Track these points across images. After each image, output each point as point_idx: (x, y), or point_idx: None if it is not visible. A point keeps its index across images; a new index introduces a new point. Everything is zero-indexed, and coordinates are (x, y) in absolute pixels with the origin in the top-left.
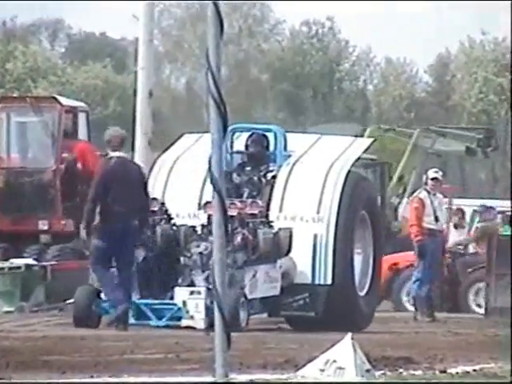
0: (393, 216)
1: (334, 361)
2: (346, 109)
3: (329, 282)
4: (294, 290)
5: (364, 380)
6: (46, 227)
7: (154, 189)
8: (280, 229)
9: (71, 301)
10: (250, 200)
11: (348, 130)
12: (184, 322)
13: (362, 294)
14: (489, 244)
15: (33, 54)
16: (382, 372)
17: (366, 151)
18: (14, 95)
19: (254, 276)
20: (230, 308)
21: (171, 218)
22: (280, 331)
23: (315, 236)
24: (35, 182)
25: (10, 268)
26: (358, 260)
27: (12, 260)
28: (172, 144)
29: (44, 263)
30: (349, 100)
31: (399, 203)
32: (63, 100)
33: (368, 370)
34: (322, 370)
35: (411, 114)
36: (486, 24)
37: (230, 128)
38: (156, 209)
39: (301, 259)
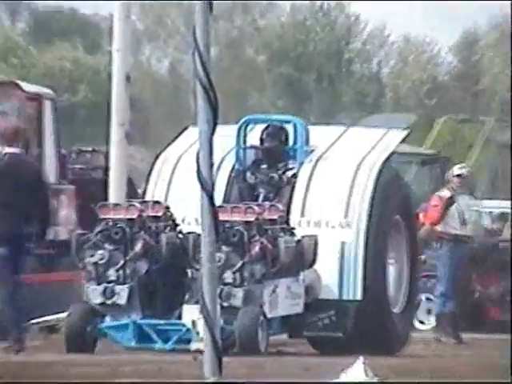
0: None
1: None
2: (356, 95)
3: (358, 297)
4: (318, 307)
5: None
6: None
7: (156, 190)
8: (303, 236)
9: (37, 320)
10: (268, 203)
11: (401, 122)
12: (194, 345)
13: (397, 311)
14: None
15: None
16: None
17: (400, 144)
18: None
19: (273, 291)
20: (248, 329)
21: (177, 225)
22: (280, 355)
23: (343, 244)
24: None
25: None
26: (391, 271)
27: None
28: (176, 138)
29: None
30: (360, 84)
31: None
32: (26, 86)
33: None
34: None
35: (433, 100)
36: None
37: (242, 120)
38: (159, 214)
39: (326, 271)
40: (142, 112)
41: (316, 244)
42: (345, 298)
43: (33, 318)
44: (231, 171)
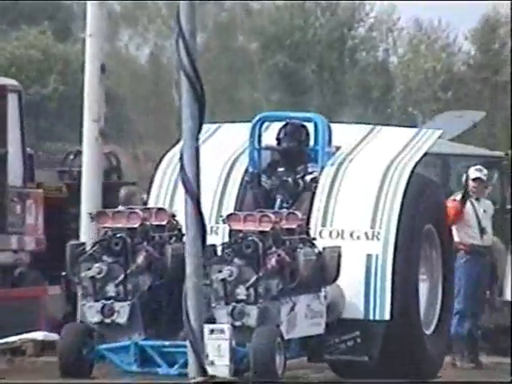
0: None
1: None
2: (361, 87)
3: (386, 316)
4: (342, 328)
5: None
6: None
7: (160, 196)
8: (324, 248)
9: (0, 341)
10: (285, 211)
11: (469, 120)
12: None
13: (429, 331)
14: None
15: None
16: None
17: (433, 145)
18: None
19: (292, 309)
20: (263, 351)
21: (183, 235)
22: (298, 380)
23: (369, 257)
24: None
25: None
26: (423, 288)
27: None
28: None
29: None
30: (365, 76)
31: None
32: None
33: None
34: None
35: (448, 93)
36: None
37: (257, 117)
38: (164, 223)
39: (351, 287)
40: (119, 107)
41: (339, 257)
42: (371, 317)
43: (11, 335)
44: (244, 174)
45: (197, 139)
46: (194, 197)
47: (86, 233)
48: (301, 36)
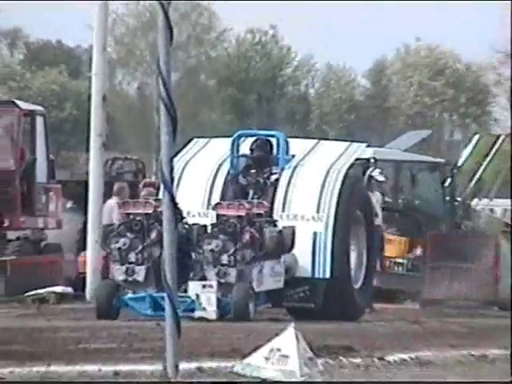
0: (466, 215)
1: (278, 349)
2: (288, 112)
3: (327, 275)
4: (295, 283)
5: (306, 369)
6: (6, 224)
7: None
8: (284, 227)
9: (30, 293)
10: (256, 201)
11: (420, 136)
12: (197, 314)
13: (357, 286)
14: (428, 239)
15: None
16: (324, 360)
17: (360, 156)
18: None
19: (260, 271)
20: (240, 300)
21: (183, 217)
22: (227, 322)
23: (315, 234)
24: None
25: None
26: (353, 256)
27: None
28: (182, 148)
29: (4, 258)
30: (291, 103)
31: (468, 203)
32: (22, 104)
33: (310, 358)
34: (267, 359)
35: (351, 116)
36: (420, 31)
37: (236, 134)
38: None
39: (302, 255)
40: (116, 126)
41: (294, 233)
42: (316, 276)
43: (27, 291)
44: (227, 175)
45: (171, 149)
46: (169, 190)
47: (93, 216)
48: (245, 75)
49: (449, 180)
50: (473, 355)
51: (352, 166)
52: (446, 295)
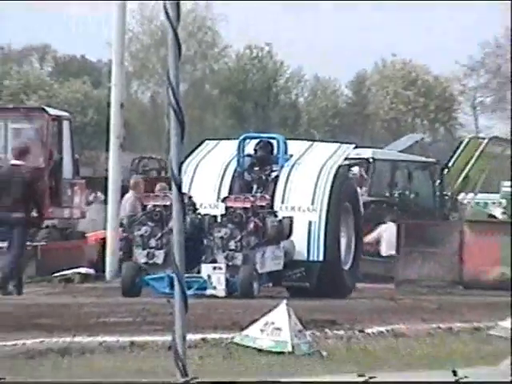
0: (453, 207)
1: (272, 323)
2: (281, 117)
3: (321, 258)
4: (293, 266)
5: (296, 340)
6: (37, 214)
7: (184, 186)
8: (283, 217)
9: (58, 274)
10: (259, 194)
11: (415, 138)
12: (208, 292)
13: (346, 268)
14: (398, 225)
15: (25, 73)
16: (312, 332)
17: (349, 155)
18: (11, 106)
19: (263, 255)
20: (245, 280)
21: (196, 208)
22: (230, 299)
23: (310, 223)
24: (27, 177)
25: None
26: (343, 241)
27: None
28: (195, 148)
29: (35, 243)
30: (283, 110)
31: (456, 198)
32: (50, 110)
33: (300, 330)
34: (262, 331)
35: (335, 121)
36: (395, 48)
37: (242, 136)
38: (185, 201)
39: (298, 241)
40: (132, 129)
41: (291, 223)
42: (311, 259)
43: (55, 273)
44: (234, 172)
45: (179, 149)
46: (178, 185)
47: (112, 206)
48: (243, 86)
49: (439, 177)
50: (440, 328)
51: (342, 164)
52: (418, 276)
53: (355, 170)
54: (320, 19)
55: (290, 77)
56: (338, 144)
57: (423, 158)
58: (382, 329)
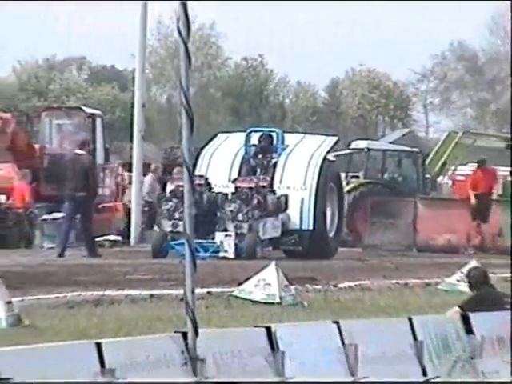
0: (433, 188)
1: (264, 279)
2: (271, 115)
3: (311, 228)
4: (288, 233)
5: (282, 293)
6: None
7: (201, 169)
8: (280, 195)
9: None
10: (261, 176)
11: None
12: (221, 254)
13: (331, 235)
14: (368, 203)
15: (66, 80)
16: (295, 286)
17: (334, 146)
18: (54, 106)
19: (264, 225)
20: (250, 245)
21: (212, 188)
22: (229, 260)
23: (302, 199)
24: (86, 164)
25: (53, 219)
26: (328, 214)
27: (54, 214)
28: (210, 140)
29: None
30: (272, 109)
31: (435, 180)
32: (86, 109)
33: (286, 285)
34: (256, 286)
35: (314, 118)
36: (362, 58)
37: (248, 130)
38: (202, 182)
39: (293, 214)
40: (151, 125)
41: (287, 199)
42: (303, 228)
43: (97, 237)
44: (242, 159)
45: (189, 141)
46: (189, 170)
47: (136, 186)
48: (240, 90)
49: (421, 163)
50: (398, 283)
51: (329, 152)
52: (381, 242)
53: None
54: (303, 35)
55: (278, 82)
56: (325, 137)
57: (408, 148)
58: (352, 284)
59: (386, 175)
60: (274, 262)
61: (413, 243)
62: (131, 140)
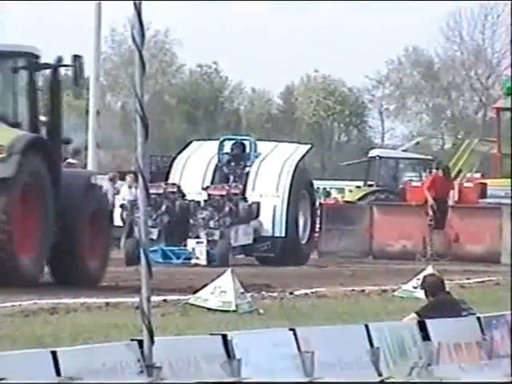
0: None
1: (219, 287)
2: (226, 122)
3: (283, 235)
4: (261, 240)
5: (238, 300)
6: None
7: (175, 178)
8: (252, 202)
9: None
10: (233, 184)
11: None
12: (193, 261)
13: (303, 242)
14: (323, 209)
15: None
16: (251, 294)
17: (306, 154)
18: None
19: (236, 232)
20: (222, 252)
21: (184, 195)
22: (185, 266)
23: (275, 206)
24: None
25: None
26: (301, 221)
27: None
28: (184, 148)
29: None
30: (228, 116)
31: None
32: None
33: (242, 293)
34: (212, 293)
35: (269, 124)
36: (317, 64)
37: (222, 138)
38: (175, 190)
39: (265, 221)
40: (106, 132)
41: (259, 206)
42: (275, 235)
43: None
44: (215, 167)
45: (144, 148)
46: (144, 178)
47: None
48: (195, 96)
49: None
50: (354, 290)
51: (301, 159)
52: (336, 248)
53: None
54: (257, 42)
55: (233, 89)
56: (297, 145)
57: (421, 156)
58: (308, 291)
59: (398, 182)
60: (229, 270)
61: (368, 250)
62: (86, 147)
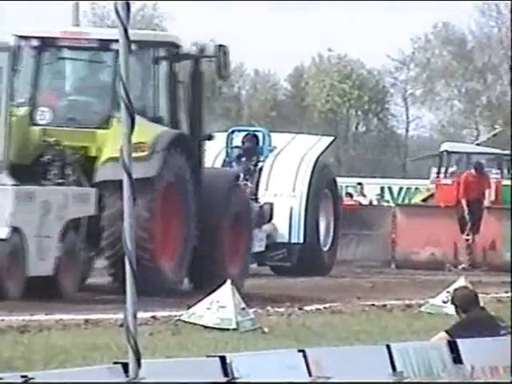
0: None
1: (217, 301)
2: (225, 109)
3: (301, 241)
4: (276, 247)
5: (239, 317)
6: None
7: None
8: (264, 203)
9: None
10: (244, 182)
11: None
12: None
13: (326, 249)
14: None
15: None
16: (254, 309)
17: (328, 148)
18: None
19: None
20: None
21: None
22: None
23: (291, 208)
24: None
25: None
26: (322, 225)
27: None
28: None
29: None
30: (227, 102)
31: None
32: None
33: (243, 308)
34: (208, 308)
35: (274, 112)
36: (331, 43)
37: (230, 130)
38: None
39: (281, 225)
40: None
41: (272, 208)
42: (292, 241)
43: None
44: (223, 162)
45: (129, 140)
46: (128, 173)
47: None
48: None
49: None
50: (374, 305)
51: (322, 153)
52: (353, 257)
53: None
54: (260, 17)
55: (233, 71)
56: (319, 137)
57: (497, 150)
58: (320, 306)
59: None
60: (229, 281)
61: (390, 258)
62: None
